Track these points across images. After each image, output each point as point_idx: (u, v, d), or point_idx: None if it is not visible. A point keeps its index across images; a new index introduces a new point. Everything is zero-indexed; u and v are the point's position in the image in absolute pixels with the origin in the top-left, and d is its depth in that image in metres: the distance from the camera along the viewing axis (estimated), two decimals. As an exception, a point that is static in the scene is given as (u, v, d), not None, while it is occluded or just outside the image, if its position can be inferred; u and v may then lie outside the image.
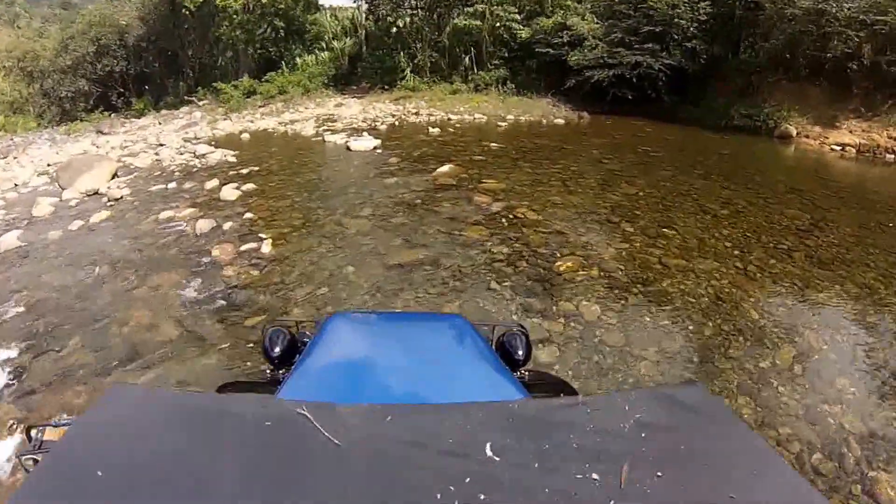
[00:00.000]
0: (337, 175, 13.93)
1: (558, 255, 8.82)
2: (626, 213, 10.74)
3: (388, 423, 1.88)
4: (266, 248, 9.22)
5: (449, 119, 20.80)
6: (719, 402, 2.19)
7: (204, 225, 10.26)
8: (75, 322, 7.23)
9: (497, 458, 1.75)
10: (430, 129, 18.52)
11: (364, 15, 30.46)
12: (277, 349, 3.43)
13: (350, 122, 20.39)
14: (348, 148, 16.08)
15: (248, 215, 10.77)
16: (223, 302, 7.69)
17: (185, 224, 10.55)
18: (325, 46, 29.98)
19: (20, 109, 32.70)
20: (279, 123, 21.03)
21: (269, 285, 8.06)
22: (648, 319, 7.05)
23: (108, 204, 12.07)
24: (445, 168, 13.37)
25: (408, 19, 27.67)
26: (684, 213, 10.76)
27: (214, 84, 27.96)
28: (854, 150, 17.44)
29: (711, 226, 10.16)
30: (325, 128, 19.35)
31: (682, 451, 1.83)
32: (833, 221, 10.40)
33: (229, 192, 12.05)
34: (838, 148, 17.55)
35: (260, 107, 24.75)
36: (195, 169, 14.81)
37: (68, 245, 9.85)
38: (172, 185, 13.23)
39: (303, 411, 1.85)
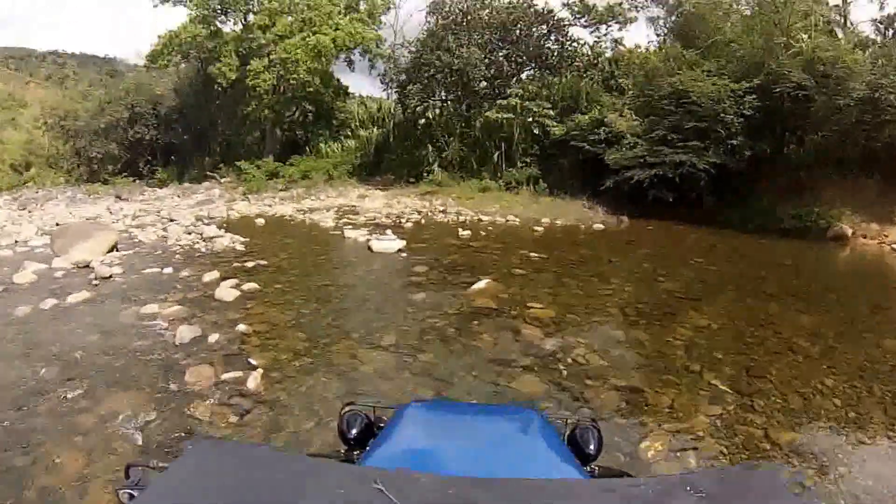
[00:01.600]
0: (355, 283, 11.44)
1: (640, 429, 6.15)
2: (703, 355, 8.13)
3: (453, 495, 1.69)
4: (253, 381, 6.57)
5: (480, 220, 18.46)
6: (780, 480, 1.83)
7: (186, 332, 7.75)
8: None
9: None
10: (461, 232, 16.12)
11: (393, 105, 28.91)
12: (354, 431, 2.87)
13: (373, 216, 18.06)
14: (370, 248, 13.57)
15: (242, 327, 8.18)
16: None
17: (166, 326, 8.14)
18: (351, 134, 28.64)
19: (55, 164, 33.70)
20: (298, 211, 18.84)
21: (247, 449, 5.43)
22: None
23: (94, 283, 10.06)
24: (482, 284, 10.74)
25: (437, 111, 25.98)
26: (770, 355, 8.25)
27: (238, 162, 26.23)
28: (920, 250, 15.71)
29: (808, 372, 7.71)
30: (346, 220, 17.01)
31: None
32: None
33: (227, 292, 9.59)
34: (902, 248, 15.73)
35: (280, 190, 22.94)
36: (198, 254, 12.59)
37: (31, 329, 7.92)
38: (168, 269, 11.03)
39: (378, 485, 1.63)
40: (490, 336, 8.44)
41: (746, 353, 8.32)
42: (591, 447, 3.01)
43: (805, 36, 19.95)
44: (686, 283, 12.02)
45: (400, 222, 17.21)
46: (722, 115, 18.84)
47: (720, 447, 5.90)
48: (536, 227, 17.85)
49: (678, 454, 5.73)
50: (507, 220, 18.64)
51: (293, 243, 14.31)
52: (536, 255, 13.82)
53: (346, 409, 3.14)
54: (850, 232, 16.87)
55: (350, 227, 15.90)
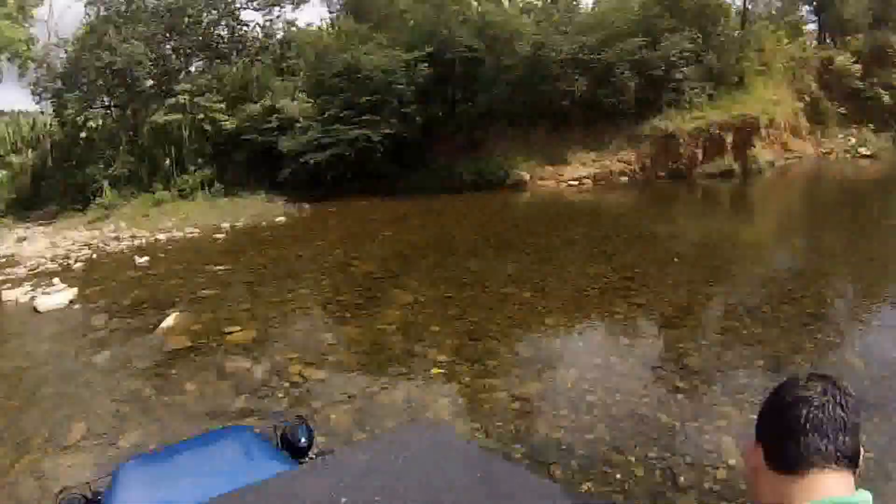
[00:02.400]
0: (24, 363, 8.81)
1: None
2: (420, 333, 8.08)
3: None
4: None
5: (157, 240, 16.69)
6: (446, 433, 2.40)
7: None
8: None
9: None
10: (138, 259, 14.25)
11: (50, 120, 25.01)
12: None
13: (36, 263, 15.14)
14: (35, 309, 11.11)
15: None
16: None
17: None
18: (1, 163, 24.09)
19: None
20: (-66, 284, 15.32)
21: None
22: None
23: None
24: (170, 320, 9.49)
25: (101, 120, 23.25)
26: (485, 311, 8.55)
27: None
28: (590, 182, 18.18)
29: (527, 318, 8.22)
30: (2, 278, 13.95)
31: (414, 488, 1.71)
32: (638, 268, 9.45)
33: None
34: (575, 183, 18.01)
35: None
36: None
37: None
38: None
39: None
40: (193, 383, 7.50)
41: (462, 317, 8.40)
42: (303, 441, 3.40)
43: (475, 3, 21.45)
44: (381, 260, 11.95)
45: (69, 264, 14.77)
46: (395, 85, 19.43)
47: (473, 426, 5.78)
48: (217, 235, 16.70)
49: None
50: (186, 234, 17.17)
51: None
52: (222, 267, 12.87)
53: (61, 495, 3.10)
54: (527, 177, 18.77)
55: (8, 286, 13.00)
